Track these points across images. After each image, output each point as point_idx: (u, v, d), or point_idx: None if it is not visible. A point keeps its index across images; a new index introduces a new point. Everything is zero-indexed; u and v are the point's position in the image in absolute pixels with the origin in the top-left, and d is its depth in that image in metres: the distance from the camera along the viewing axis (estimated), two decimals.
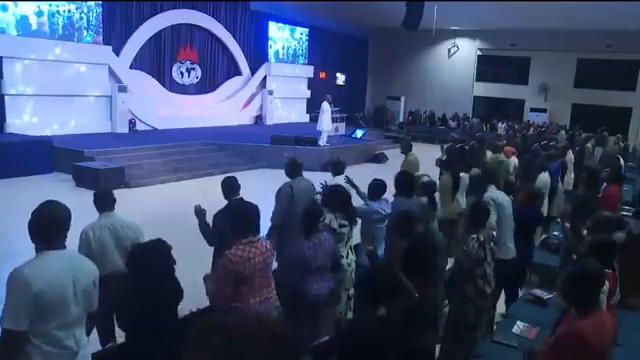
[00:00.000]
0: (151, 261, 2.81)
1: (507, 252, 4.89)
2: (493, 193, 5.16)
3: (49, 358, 2.41)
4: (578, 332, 2.53)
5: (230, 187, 4.50)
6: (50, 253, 2.45)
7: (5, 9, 11.91)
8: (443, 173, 7.18)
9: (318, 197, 5.50)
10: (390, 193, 5.21)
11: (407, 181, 5.21)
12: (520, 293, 4.99)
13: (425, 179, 5.71)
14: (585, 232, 4.69)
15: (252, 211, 3.54)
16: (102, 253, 3.74)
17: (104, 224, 3.84)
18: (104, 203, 3.94)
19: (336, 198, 4.45)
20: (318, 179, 5.72)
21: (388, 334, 2.64)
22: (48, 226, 2.47)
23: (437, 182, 6.40)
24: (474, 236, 4.09)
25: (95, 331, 3.89)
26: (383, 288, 2.79)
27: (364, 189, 5.31)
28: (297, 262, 3.83)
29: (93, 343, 3.71)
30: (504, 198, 5.17)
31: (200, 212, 4.31)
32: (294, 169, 5.36)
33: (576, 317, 2.64)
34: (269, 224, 5.18)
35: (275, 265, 4.16)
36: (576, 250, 4.42)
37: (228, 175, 4.73)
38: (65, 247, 2.53)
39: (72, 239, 2.67)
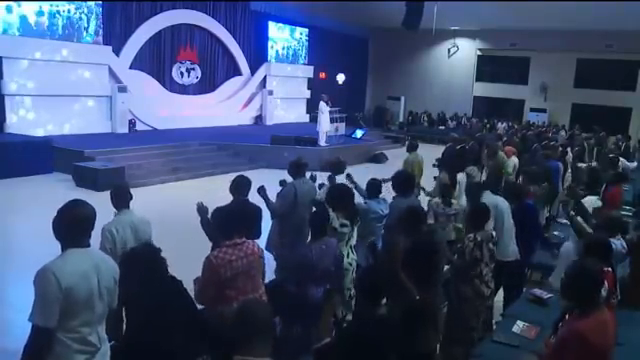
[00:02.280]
0: (140, 267, 2.83)
1: (507, 254, 4.88)
2: (490, 198, 5.12)
3: (74, 354, 2.43)
4: (579, 332, 2.52)
5: (237, 187, 4.50)
6: (76, 251, 2.48)
7: (10, 10, 11.90)
8: (441, 172, 7.20)
9: (320, 197, 5.51)
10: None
11: (404, 181, 5.21)
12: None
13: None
14: (594, 222, 4.70)
15: (248, 213, 3.52)
16: (124, 250, 3.78)
17: (125, 221, 3.87)
18: (123, 200, 3.97)
19: (339, 197, 4.44)
20: (319, 179, 5.72)
21: (388, 335, 2.64)
22: (75, 224, 2.50)
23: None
24: (471, 236, 4.09)
25: None
26: (383, 287, 2.79)
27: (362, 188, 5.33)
28: (304, 265, 3.81)
29: None
30: (501, 202, 5.14)
31: (202, 209, 4.32)
32: (298, 169, 5.34)
33: (577, 317, 2.63)
34: (268, 224, 5.18)
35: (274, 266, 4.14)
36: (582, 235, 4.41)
37: (241, 174, 4.73)
38: (90, 245, 2.57)
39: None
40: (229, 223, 3.42)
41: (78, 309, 2.41)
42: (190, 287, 3.17)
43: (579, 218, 4.95)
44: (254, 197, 4.67)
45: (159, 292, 2.84)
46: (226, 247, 3.31)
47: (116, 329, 3.69)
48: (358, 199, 5.12)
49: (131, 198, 4.03)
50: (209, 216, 4.36)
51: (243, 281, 3.37)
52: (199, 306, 3.33)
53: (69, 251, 2.48)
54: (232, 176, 4.72)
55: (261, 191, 4.92)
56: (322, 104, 14.40)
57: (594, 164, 11.09)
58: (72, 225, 2.50)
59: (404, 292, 3.53)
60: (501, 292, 5.16)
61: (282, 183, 5.20)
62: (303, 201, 5.07)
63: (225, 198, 4.54)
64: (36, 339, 2.35)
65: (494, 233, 4.36)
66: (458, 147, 9.71)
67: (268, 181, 5.43)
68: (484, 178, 8.77)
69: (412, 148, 8.55)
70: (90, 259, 2.52)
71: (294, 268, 3.93)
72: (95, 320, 2.52)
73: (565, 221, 6.88)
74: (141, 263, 2.87)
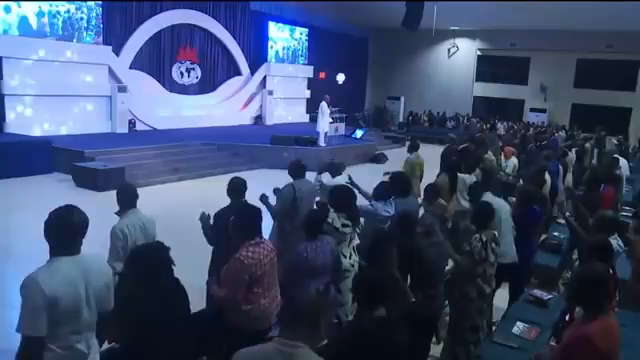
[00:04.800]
0: (145, 265, 2.82)
1: (506, 256, 4.88)
2: (489, 200, 5.11)
3: None
4: (586, 336, 2.51)
5: (235, 188, 4.48)
6: (63, 259, 2.43)
7: (8, 11, 11.91)
8: (441, 174, 7.19)
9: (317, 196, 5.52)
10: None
11: (401, 182, 5.21)
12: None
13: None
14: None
15: (259, 213, 3.53)
16: None
17: (135, 221, 3.88)
18: (131, 200, 3.97)
19: (340, 197, 4.45)
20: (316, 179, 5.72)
21: (387, 336, 2.64)
22: (65, 231, 2.44)
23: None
24: (477, 236, 4.09)
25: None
26: (381, 289, 2.79)
27: (365, 189, 5.32)
28: (298, 264, 3.83)
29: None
30: (500, 203, 5.13)
31: (204, 218, 4.34)
32: (297, 170, 5.34)
33: (583, 321, 2.62)
34: (268, 224, 5.18)
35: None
36: (583, 242, 4.40)
37: (237, 176, 4.72)
38: (80, 252, 2.51)
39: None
40: (253, 223, 3.44)
41: (65, 318, 2.39)
42: (188, 285, 3.15)
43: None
44: (246, 196, 4.64)
45: (163, 293, 2.83)
46: (252, 246, 3.34)
47: (115, 331, 3.69)
48: (362, 201, 5.11)
49: (137, 197, 4.03)
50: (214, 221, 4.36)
51: (268, 278, 3.43)
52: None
53: (56, 259, 2.43)
54: (233, 176, 4.71)
55: (263, 199, 4.95)
56: (324, 104, 14.41)
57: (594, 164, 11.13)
58: (65, 231, 2.44)
59: (401, 295, 3.53)
60: (501, 294, 5.16)
61: (276, 191, 5.18)
62: (303, 202, 5.07)
63: (227, 198, 4.52)
64: (27, 349, 2.33)
65: (496, 233, 4.37)
66: (460, 148, 9.70)
67: (268, 181, 5.43)
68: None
69: (413, 149, 8.54)
70: (78, 267, 2.46)
71: (290, 267, 3.94)
72: (83, 328, 2.48)
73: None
74: (150, 261, 2.84)
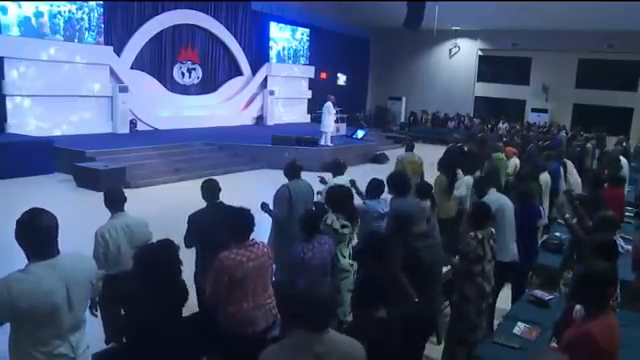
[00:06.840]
0: (157, 262, 2.80)
1: (507, 254, 4.87)
2: (493, 196, 5.11)
3: None
4: (588, 334, 2.52)
5: (212, 191, 4.43)
6: (40, 266, 2.34)
7: (5, 12, 11.93)
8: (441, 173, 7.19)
9: (319, 197, 5.51)
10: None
11: (399, 182, 5.21)
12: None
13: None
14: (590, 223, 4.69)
15: (250, 216, 3.52)
16: (117, 253, 3.80)
17: (119, 225, 3.86)
18: (116, 203, 3.95)
19: (338, 198, 4.45)
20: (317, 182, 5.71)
21: (389, 336, 2.64)
22: (35, 236, 2.34)
23: None
24: (472, 234, 4.08)
25: (100, 330, 3.89)
26: (383, 290, 2.78)
27: (364, 188, 5.32)
28: (296, 264, 3.83)
29: (98, 341, 3.72)
30: (505, 201, 5.13)
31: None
32: (292, 171, 5.32)
33: (585, 319, 2.63)
34: (268, 226, 5.19)
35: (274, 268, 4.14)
36: (582, 243, 4.38)
37: (209, 178, 4.68)
38: (59, 252, 2.41)
39: (73, 240, 2.61)
40: (243, 225, 3.41)
41: (40, 325, 2.31)
42: (188, 285, 3.16)
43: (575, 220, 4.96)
44: (247, 197, 4.63)
45: (167, 291, 2.82)
46: (237, 248, 3.32)
47: (114, 331, 3.69)
48: (358, 201, 5.11)
49: (125, 200, 4.00)
50: (184, 220, 4.33)
51: (253, 282, 3.37)
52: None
53: (33, 266, 2.34)
54: (234, 176, 4.73)
55: (264, 207, 4.93)
56: (329, 104, 14.43)
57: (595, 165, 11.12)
58: (35, 236, 2.34)
59: (404, 296, 3.52)
60: (503, 294, 5.16)
61: (263, 206, 5.02)
62: (299, 202, 5.05)
63: (228, 199, 4.50)
64: None
65: (494, 230, 4.35)
66: (457, 146, 9.72)
67: (268, 181, 5.41)
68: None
69: (408, 148, 8.60)
70: (57, 271, 2.36)
71: (288, 267, 3.94)
72: (65, 332, 2.40)
73: None
74: (160, 259, 2.80)
